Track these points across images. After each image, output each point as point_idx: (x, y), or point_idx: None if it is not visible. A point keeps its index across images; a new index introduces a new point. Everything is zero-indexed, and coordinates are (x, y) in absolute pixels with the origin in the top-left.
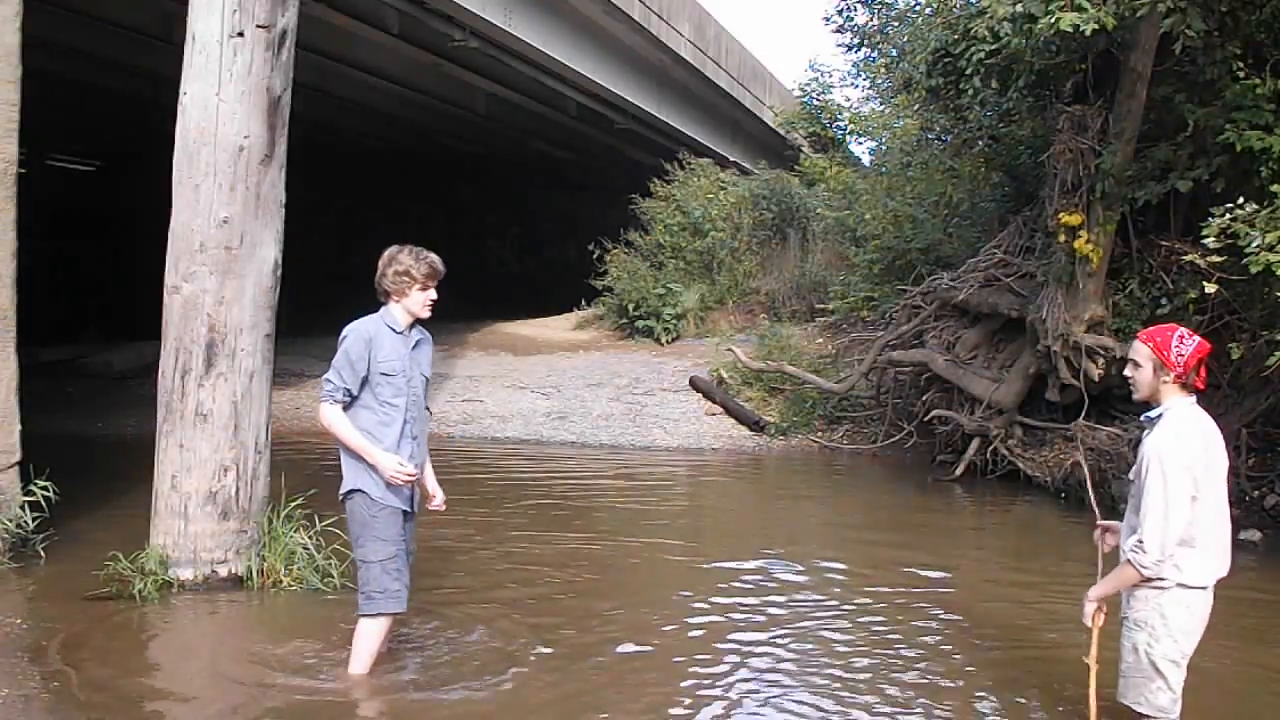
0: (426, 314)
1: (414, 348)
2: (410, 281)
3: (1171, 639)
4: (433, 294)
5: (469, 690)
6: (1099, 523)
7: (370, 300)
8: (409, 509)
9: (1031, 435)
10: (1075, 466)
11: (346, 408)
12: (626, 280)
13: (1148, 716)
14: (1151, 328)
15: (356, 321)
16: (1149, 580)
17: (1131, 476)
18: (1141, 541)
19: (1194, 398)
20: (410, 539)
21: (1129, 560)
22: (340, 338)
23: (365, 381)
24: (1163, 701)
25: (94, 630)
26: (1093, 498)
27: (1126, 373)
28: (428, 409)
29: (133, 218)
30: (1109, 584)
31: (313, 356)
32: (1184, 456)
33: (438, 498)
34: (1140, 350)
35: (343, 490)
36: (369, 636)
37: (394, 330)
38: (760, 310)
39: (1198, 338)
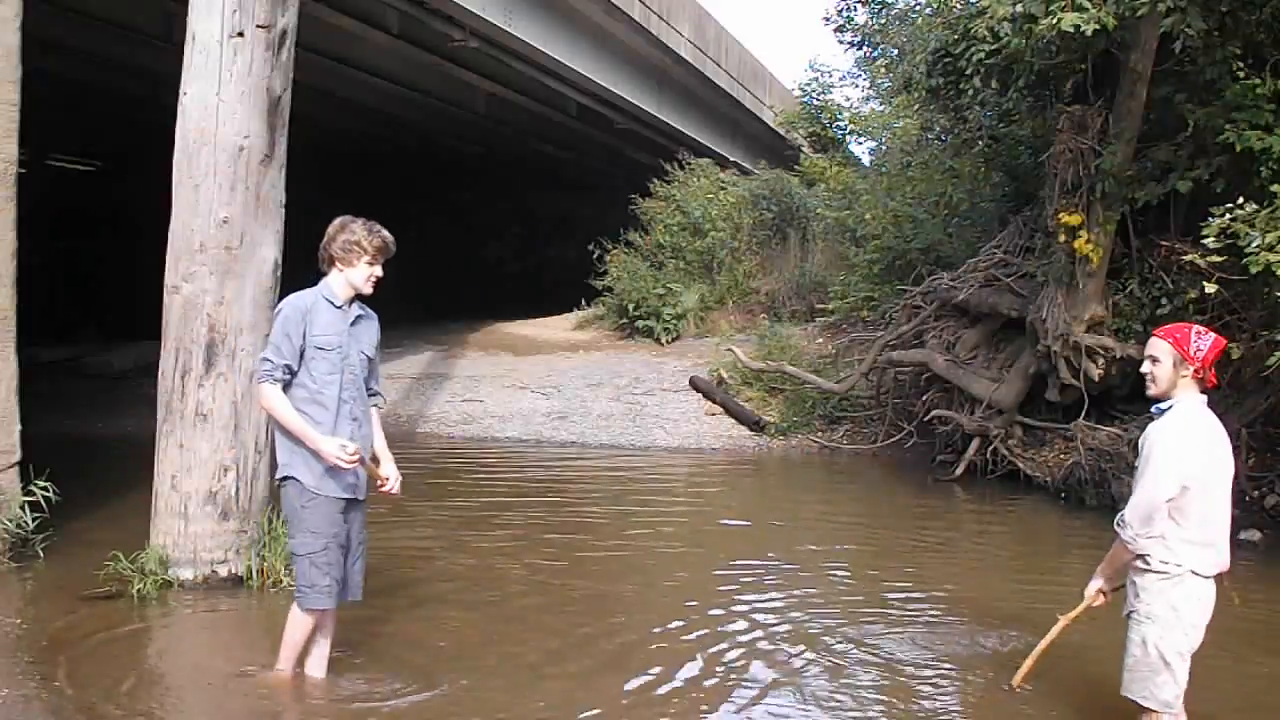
0: (369, 290)
1: (353, 324)
2: (359, 253)
3: (1182, 632)
4: (379, 271)
5: (419, 694)
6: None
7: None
8: (352, 496)
9: (1031, 435)
10: (1075, 466)
11: (285, 388)
12: (626, 280)
13: (1152, 711)
14: (1167, 325)
15: (291, 295)
16: (1161, 565)
17: (1137, 464)
18: (1123, 514)
19: (1204, 396)
20: (359, 528)
21: (1117, 532)
22: (274, 312)
23: (301, 356)
24: (1167, 695)
25: (94, 630)
26: None
27: (1144, 369)
28: (378, 393)
29: (133, 218)
30: (1106, 565)
31: None
32: (1182, 448)
33: (392, 479)
34: (1160, 346)
35: (277, 476)
36: (295, 627)
37: (332, 304)
38: (760, 310)
39: (1213, 334)
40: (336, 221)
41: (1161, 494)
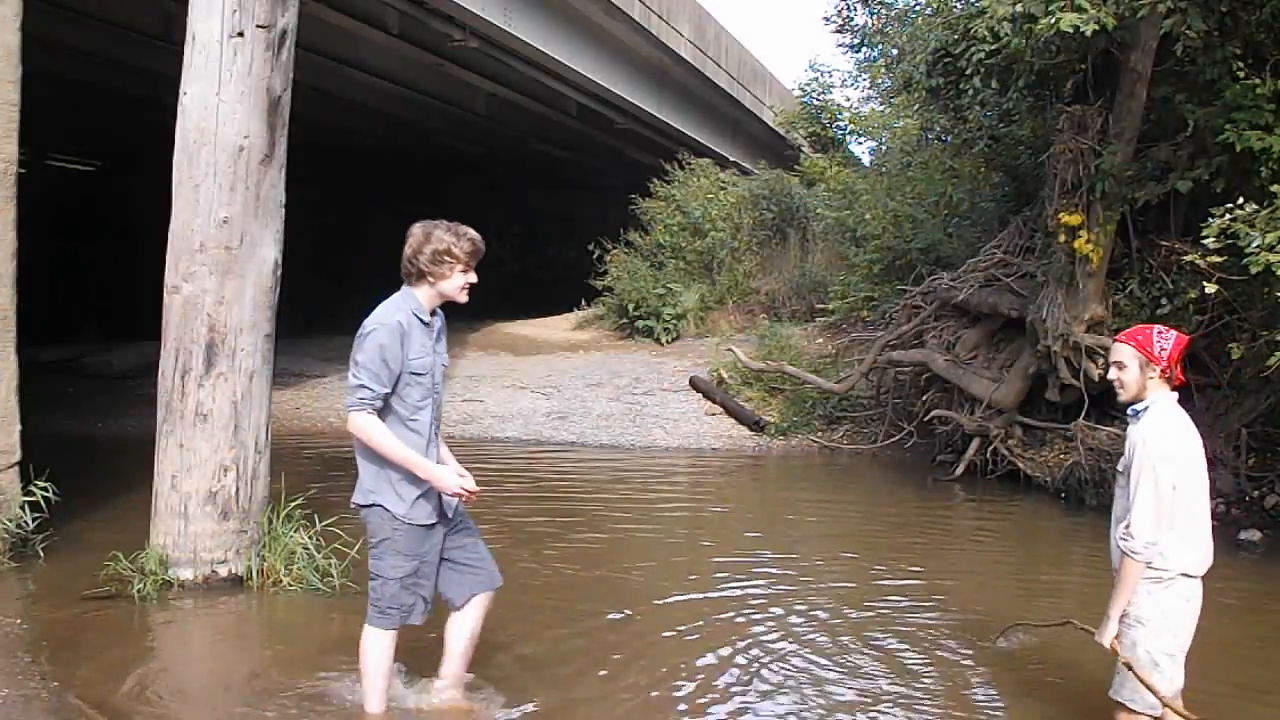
0: (464, 299)
1: (436, 338)
2: (452, 262)
3: (1171, 633)
4: (473, 276)
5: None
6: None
7: (369, 298)
8: (446, 516)
9: (1031, 435)
10: (1075, 466)
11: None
12: (626, 280)
13: (1136, 713)
14: (1128, 329)
15: (380, 312)
16: (1151, 569)
17: (1120, 468)
18: (1129, 527)
19: (1175, 395)
20: (458, 535)
21: (1122, 550)
22: (362, 333)
23: (395, 382)
24: (1154, 698)
25: (94, 630)
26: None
27: (1110, 375)
28: None
29: (133, 218)
30: (1121, 591)
31: (312, 356)
32: (1168, 448)
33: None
34: (1123, 350)
35: (360, 501)
36: (378, 652)
37: (421, 321)
38: (760, 310)
39: (1174, 332)
40: (418, 230)
41: (1165, 495)
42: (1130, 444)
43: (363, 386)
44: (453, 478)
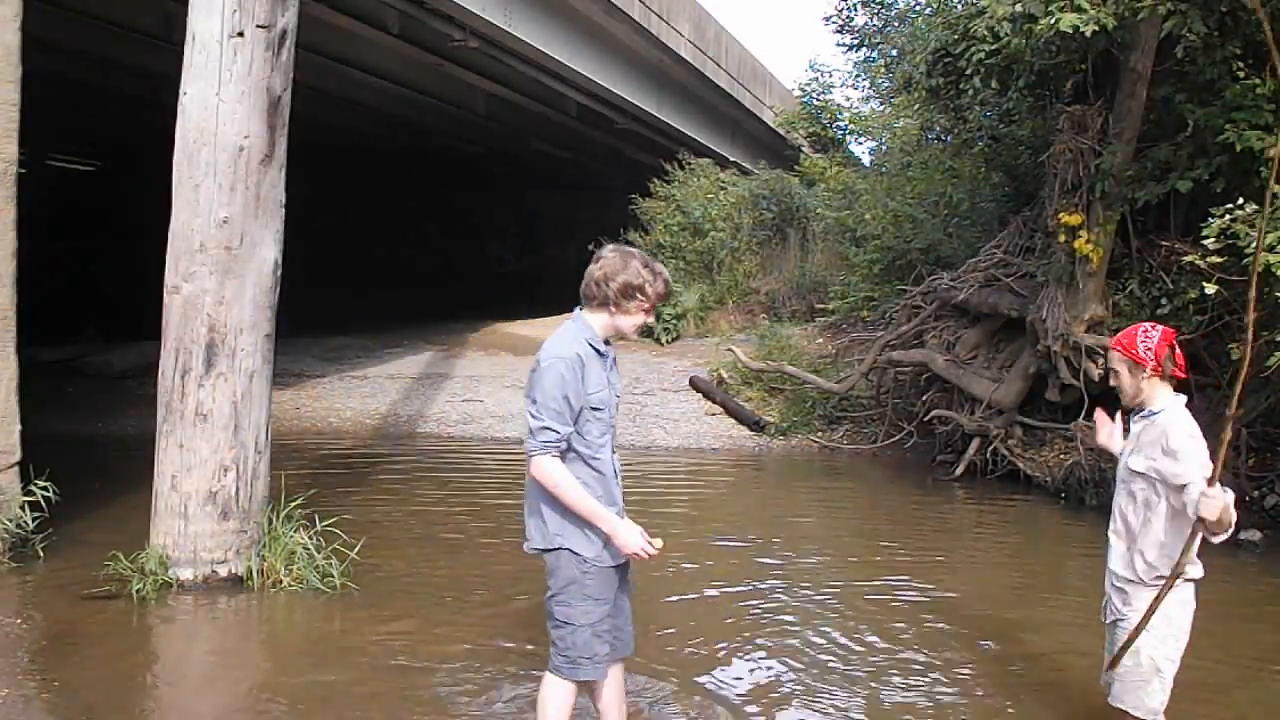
0: (634, 337)
1: (610, 368)
2: (641, 300)
3: (1174, 638)
4: (652, 319)
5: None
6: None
7: (367, 299)
8: (626, 559)
9: (1031, 435)
10: (1075, 466)
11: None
12: None
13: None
14: (1117, 334)
15: (557, 343)
16: (1155, 577)
17: (1135, 467)
18: (1183, 477)
19: (1182, 397)
20: (627, 583)
21: (1188, 493)
22: (538, 366)
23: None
24: (1154, 703)
25: (94, 630)
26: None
27: (1110, 383)
28: None
29: (133, 217)
30: (1210, 510)
31: (312, 356)
32: (1204, 451)
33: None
34: (1112, 356)
35: (541, 545)
36: (561, 705)
37: (596, 350)
38: (760, 310)
39: (1160, 328)
40: (613, 256)
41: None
42: (1144, 443)
43: (547, 429)
44: (635, 537)
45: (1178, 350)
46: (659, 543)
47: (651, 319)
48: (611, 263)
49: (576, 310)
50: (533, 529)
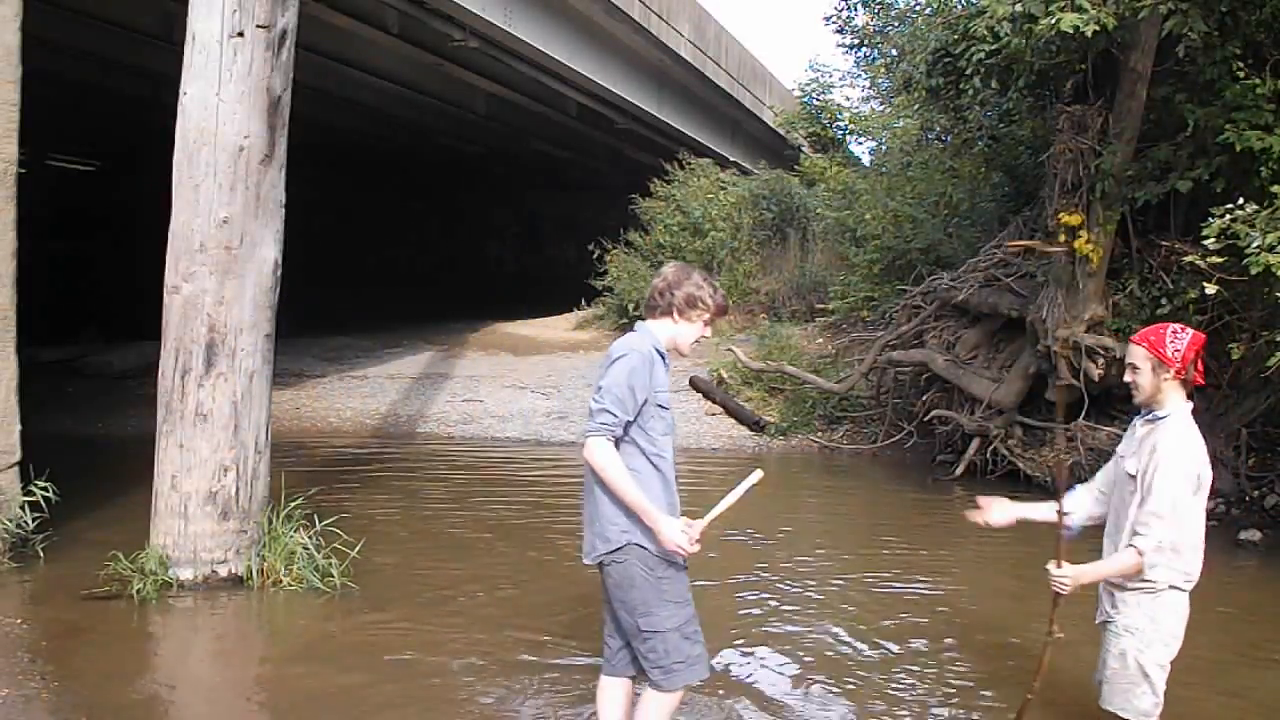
0: (688, 353)
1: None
2: (702, 310)
3: (1162, 643)
4: (709, 331)
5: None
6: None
7: (367, 299)
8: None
9: (1031, 435)
10: (1075, 466)
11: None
12: (626, 280)
13: None
14: (1143, 329)
15: (632, 339)
16: (1141, 580)
17: (1131, 470)
18: (1147, 526)
19: (1191, 404)
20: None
21: (1133, 546)
22: (611, 357)
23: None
24: (1146, 706)
25: (94, 630)
26: (1061, 487)
27: (1126, 378)
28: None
29: (133, 218)
30: (1107, 568)
31: (312, 356)
32: (1191, 465)
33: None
34: (1136, 352)
35: (610, 546)
36: (665, 715)
37: (662, 356)
38: (760, 310)
39: (1191, 330)
40: (673, 269)
41: (1177, 523)
42: (1151, 450)
43: (605, 411)
44: (678, 534)
45: (1202, 357)
46: (697, 535)
47: (709, 332)
48: (672, 274)
49: (638, 323)
50: (593, 536)
